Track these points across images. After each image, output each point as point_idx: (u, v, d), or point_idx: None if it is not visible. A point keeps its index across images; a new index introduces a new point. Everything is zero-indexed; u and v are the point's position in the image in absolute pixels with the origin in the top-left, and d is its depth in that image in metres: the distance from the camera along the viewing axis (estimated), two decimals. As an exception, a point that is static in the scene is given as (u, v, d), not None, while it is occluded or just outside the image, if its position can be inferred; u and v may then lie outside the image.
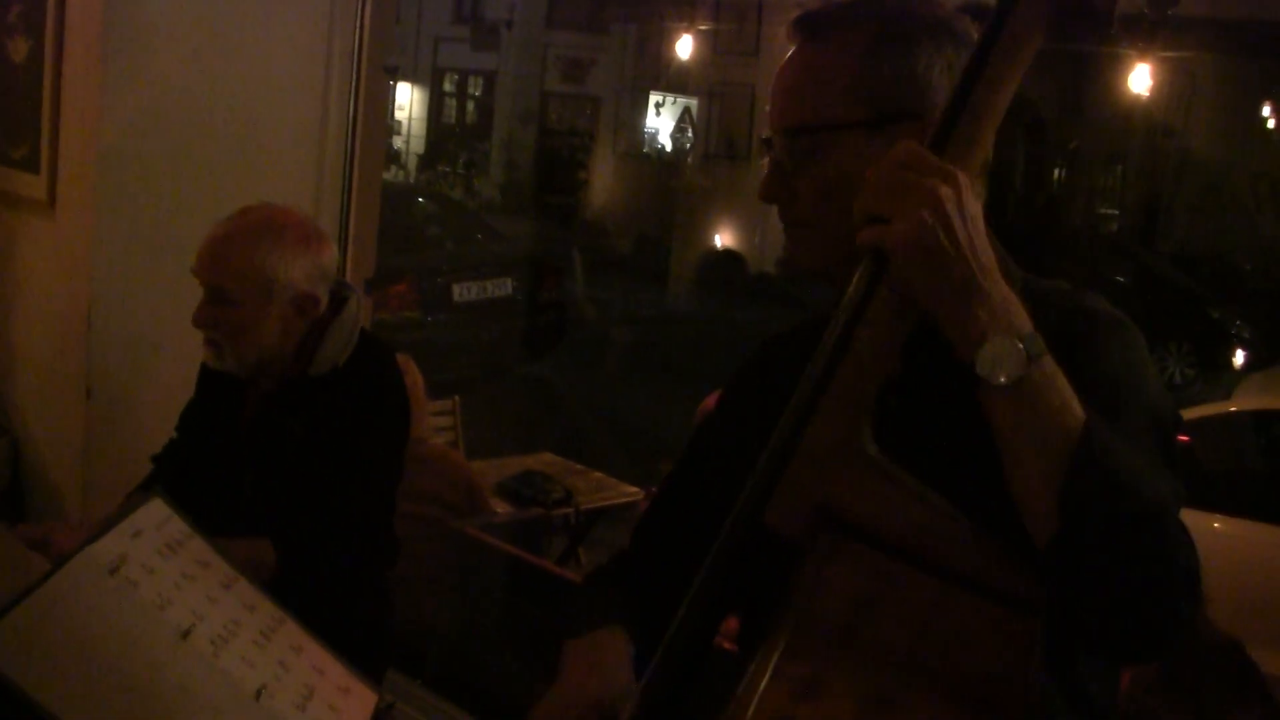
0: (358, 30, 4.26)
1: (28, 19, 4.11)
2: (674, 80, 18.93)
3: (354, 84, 4.27)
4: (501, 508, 5.29)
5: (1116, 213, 18.14)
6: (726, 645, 1.84)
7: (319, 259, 2.73)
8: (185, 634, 1.56)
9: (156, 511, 1.77)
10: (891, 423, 1.32)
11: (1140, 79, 10.91)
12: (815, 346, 1.43)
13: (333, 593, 2.61)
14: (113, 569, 1.56)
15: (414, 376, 4.41)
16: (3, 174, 4.30)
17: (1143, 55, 10.20)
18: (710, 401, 3.70)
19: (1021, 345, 1.23)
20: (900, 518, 1.26)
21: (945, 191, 1.27)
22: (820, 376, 1.32)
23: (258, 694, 1.57)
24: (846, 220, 1.43)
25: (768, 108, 1.56)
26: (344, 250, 4.35)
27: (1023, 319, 1.26)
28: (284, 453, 2.74)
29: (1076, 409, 1.24)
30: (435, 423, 5.87)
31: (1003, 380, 1.23)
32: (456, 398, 6.28)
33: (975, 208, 1.29)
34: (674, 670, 1.36)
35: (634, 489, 5.79)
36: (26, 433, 4.42)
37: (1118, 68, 11.39)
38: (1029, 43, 1.33)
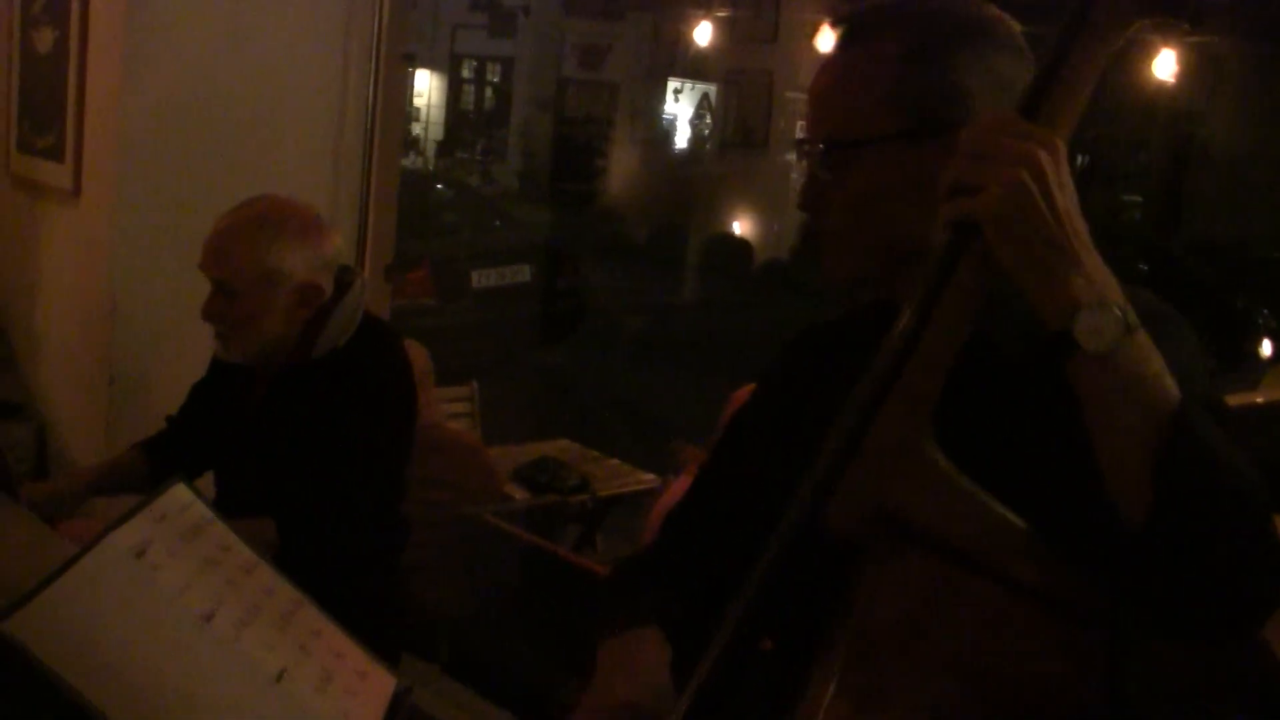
0: (376, 18, 4.29)
1: (53, 10, 4.16)
2: (692, 67, 18.85)
3: (373, 72, 4.30)
4: (517, 494, 5.30)
5: (1140, 200, 17.98)
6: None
7: (320, 248, 2.77)
8: (208, 618, 1.60)
9: (179, 496, 1.80)
10: (942, 423, 1.29)
11: (1165, 65, 10.80)
12: (857, 342, 1.42)
13: (337, 573, 2.64)
14: (138, 553, 1.59)
15: (421, 361, 4.43)
16: (28, 162, 4.34)
17: (1167, 41, 10.10)
18: (743, 394, 3.73)
19: (1120, 313, 1.20)
20: (961, 524, 1.24)
21: (1044, 155, 1.22)
22: (886, 374, 1.28)
23: (279, 677, 1.60)
24: (883, 231, 1.45)
25: (802, 121, 1.54)
26: (363, 237, 4.39)
27: (1116, 290, 1.23)
28: (287, 435, 2.79)
29: (1170, 382, 1.21)
30: (452, 408, 5.88)
31: (1103, 348, 1.19)
32: (474, 383, 6.27)
33: (1065, 167, 1.24)
34: (725, 675, 1.33)
35: (651, 476, 5.78)
36: (51, 418, 4.46)
37: (1142, 54, 11.30)
38: (1121, 15, 1.27)
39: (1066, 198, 1.23)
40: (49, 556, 1.96)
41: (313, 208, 2.89)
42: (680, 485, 3.98)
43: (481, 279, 10.94)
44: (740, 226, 16.39)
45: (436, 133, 23.09)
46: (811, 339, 1.78)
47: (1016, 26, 1.48)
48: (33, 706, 1.37)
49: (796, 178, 15.99)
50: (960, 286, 1.27)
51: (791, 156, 16.70)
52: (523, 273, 11.18)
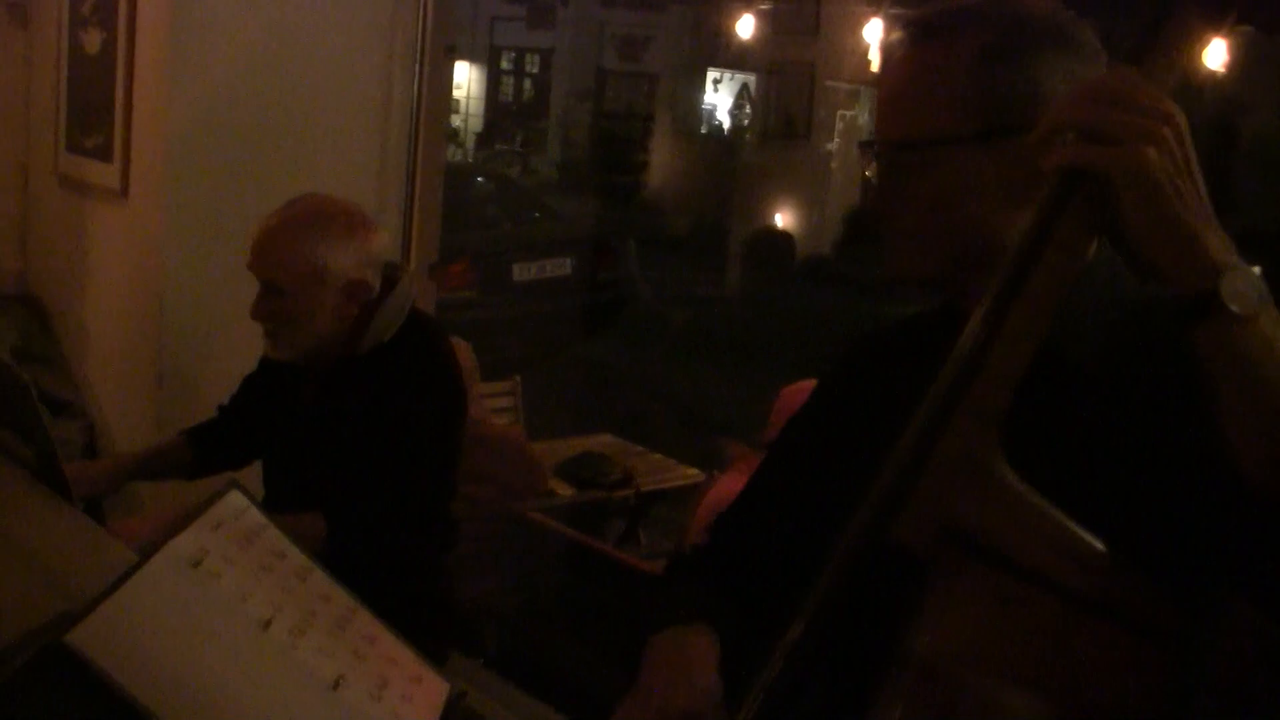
0: (421, 12, 4.30)
1: (101, 11, 4.18)
2: (732, 58, 18.82)
3: (418, 68, 4.31)
4: (561, 489, 5.31)
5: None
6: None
7: (367, 245, 2.78)
8: (265, 625, 1.60)
9: (234, 502, 1.80)
10: (1008, 434, 1.26)
11: (1215, 54, 10.67)
12: (922, 348, 1.39)
13: (385, 570, 2.66)
14: (196, 562, 1.60)
15: (465, 358, 4.44)
16: (77, 163, 4.37)
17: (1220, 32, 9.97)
18: (792, 391, 3.73)
19: (1259, 276, 1.16)
20: (1033, 542, 1.21)
21: (1180, 120, 1.18)
22: (954, 387, 1.25)
23: (335, 684, 1.60)
24: (954, 233, 1.43)
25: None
26: (408, 234, 4.40)
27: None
28: (336, 430, 2.80)
29: None
30: (495, 403, 5.89)
31: (1249, 310, 1.15)
32: (517, 377, 6.27)
33: None
34: (785, 688, 1.30)
35: (694, 471, 5.76)
36: (99, 415, 4.50)
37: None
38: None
39: (1195, 163, 1.19)
40: (104, 560, 1.98)
41: (358, 205, 2.90)
42: (727, 482, 3.98)
43: (523, 272, 10.93)
44: (781, 218, 16.34)
45: (476, 125, 23.13)
46: (875, 343, 1.77)
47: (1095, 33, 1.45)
48: (94, 717, 1.38)
49: (837, 168, 15.96)
50: (1032, 296, 1.23)
51: (831, 146, 16.67)
52: (564, 265, 11.16)
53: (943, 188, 1.45)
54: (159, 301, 4.06)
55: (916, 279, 1.53)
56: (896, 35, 1.51)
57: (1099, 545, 1.21)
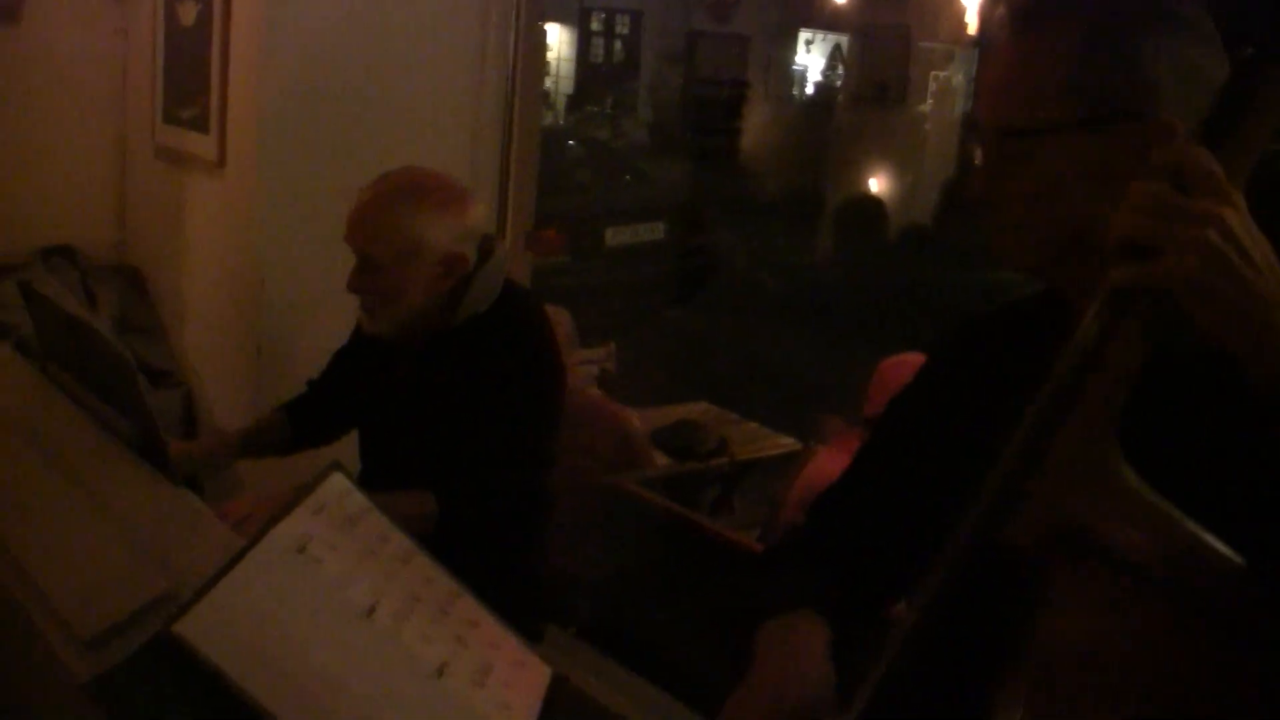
0: (517, -18, 4.27)
1: (196, -17, 4.19)
2: (825, 18, 18.64)
3: (514, 37, 4.28)
4: (658, 458, 5.29)
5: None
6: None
7: (463, 218, 2.76)
8: (369, 611, 1.59)
9: (337, 485, 1.80)
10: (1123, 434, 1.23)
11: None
12: (1029, 336, 1.38)
13: (490, 544, 2.65)
14: (300, 548, 1.59)
15: (565, 325, 4.42)
16: (174, 134, 4.40)
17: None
18: (890, 365, 3.68)
19: None
20: (1154, 543, 1.18)
21: (1229, 213, 1.12)
22: (1069, 388, 1.21)
23: (440, 671, 1.59)
24: (1061, 222, 1.39)
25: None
26: (503, 202, 4.38)
27: None
28: (434, 404, 2.79)
29: None
30: (590, 370, 5.87)
31: None
32: (612, 344, 6.24)
33: (1254, 225, 1.15)
34: (898, 685, 1.30)
35: (789, 440, 5.73)
36: (199, 387, 4.54)
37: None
38: None
39: (1261, 250, 1.14)
40: (205, 537, 1.98)
41: (456, 178, 2.89)
42: (825, 458, 3.95)
43: (615, 236, 10.90)
44: (876, 183, 16.17)
45: (566, 87, 23.10)
46: (982, 327, 1.73)
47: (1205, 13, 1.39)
48: (202, 706, 1.38)
49: (930, 130, 15.75)
50: (1130, 331, 1.19)
51: (924, 108, 16.47)
52: (657, 230, 11.12)
53: (1045, 176, 1.41)
54: (257, 271, 4.08)
55: (1019, 268, 1.50)
56: (998, 16, 1.47)
57: (1223, 549, 1.17)
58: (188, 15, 4.24)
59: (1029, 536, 1.23)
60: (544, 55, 4.74)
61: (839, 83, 19.65)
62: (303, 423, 3.12)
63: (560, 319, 4.59)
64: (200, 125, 4.23)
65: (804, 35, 19.86)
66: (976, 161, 1.50)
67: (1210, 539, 1.17)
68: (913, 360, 3.02)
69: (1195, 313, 1.13)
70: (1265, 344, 1.13)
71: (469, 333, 2.79)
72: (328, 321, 3.29)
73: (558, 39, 22.97)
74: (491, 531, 2.75)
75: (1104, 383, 1.20)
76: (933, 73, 16.54)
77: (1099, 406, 1.21)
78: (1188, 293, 1.12)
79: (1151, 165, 1.15)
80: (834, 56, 19.69)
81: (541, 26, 4.51)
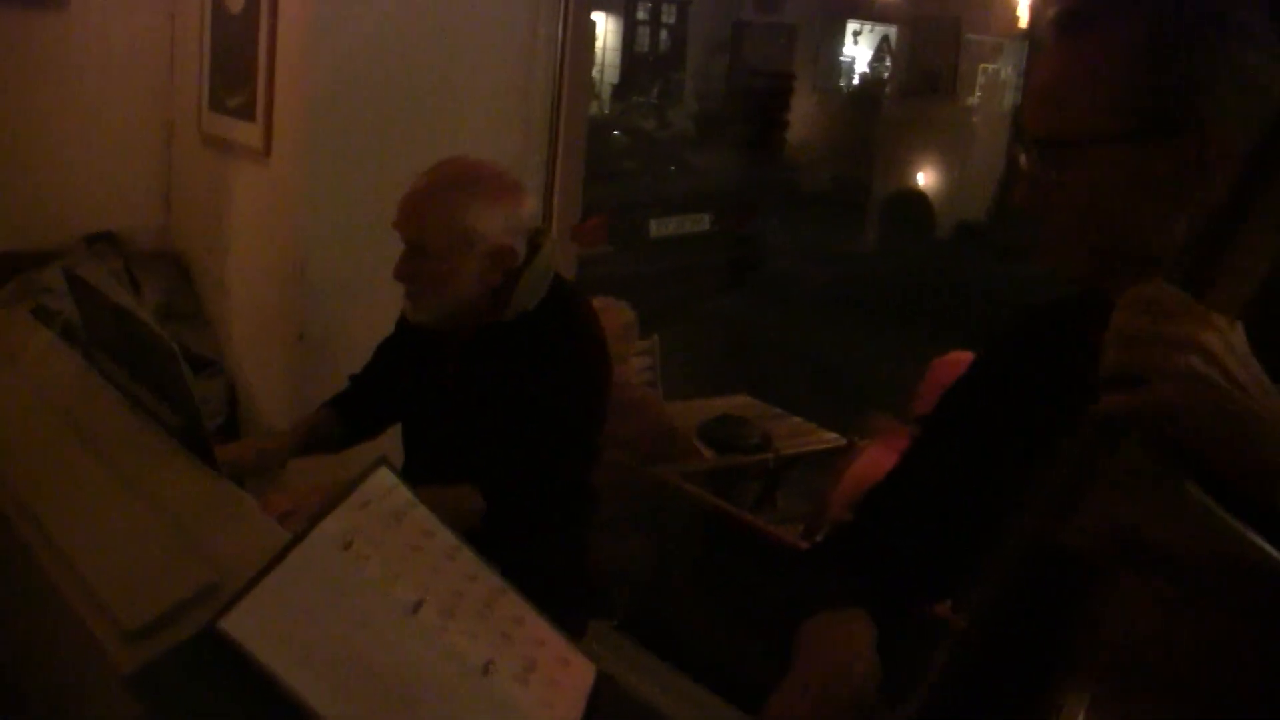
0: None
1: (245, -29, 4.18)
2: (873, 9, 18.54)
3: (562, 27, 4.26)
4: (703, 452, 5.28)
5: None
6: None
7: (515, 210, 2.75)
8: (415, 608, 1.57)
9: (383, 480, 1.78)
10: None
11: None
12: (1077, 337, 1.35)
13: (536, 539, 2.64)
14: (345, 544, 1.57)
15: (624, 316, 4.40)
16: (220, 121, 4.40)
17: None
18: (943, 363, 3.65)
19: None
20: (1215, 553, 1.16)
21: (1210, 337, 1.12)
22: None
23: (485, 669, 1.57)
24: (1109, 233, 1.36)
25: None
26: (550, 197, 4.36)
27: None
28: (481, 399, 2.77)
29: None
30: (637, 362, 5.85)
31: None
32: (656, 336, 6.23)
33: (1240, 338, 1.14)
34: (953, 687, 1.30)
35: (833, 435, 5.71)
36: (241, 374, 4.54)
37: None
38: None
39: (1248, 372, 1.13)
40: (249, 529, 1.97)
41: (508, 170, 2.87)
42: (872, 455, 3.92)
43: (660, 227, 10.89)
44: (924, 176, 16.08)
45: (612, 76, 23.09)
46: (1028, 325, 1.70)
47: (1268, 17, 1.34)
48: (244, 701, 1.36)
49: (979, 123, 15.64)
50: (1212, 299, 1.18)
51: (973, 101, 16.35)
52: (702, 221, 11.10)
53: (1094, 187, 1.37)
54: (301, 260, 4.07)
55: (1069, 279, 1.48)
56: (1048, 21, 1.43)
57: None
58: (236, 3, 4.23)
59: (1087, 541, 1.21)
60: (593, 46, 4.72)
61: (886, 74, 19.53)
62: (352, 418, 3.10)
63: (621, 312, 4.58)
64: (246, 114, 4.22)
65: (852, 26, 19.74)
66: (1022, 166, 1.46)
67: (1270, 549, 1.15)
68: (965, 359, 2.99)
69: (1180, 437, 1.14)
70: (1251, 460, 1.13)
71: (518, 328, 2.78)
72: (369, 310, 3.28)
73: (604, 28, 22.95)
74: (536, 527, 2.74)
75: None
76: (981, 65, 16.42)
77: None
78: (1170, 420, 1.13)
79: (1128, 300, 1.16)
80: (882, 48, 19.58)
81: (590, 17, 4.48)
